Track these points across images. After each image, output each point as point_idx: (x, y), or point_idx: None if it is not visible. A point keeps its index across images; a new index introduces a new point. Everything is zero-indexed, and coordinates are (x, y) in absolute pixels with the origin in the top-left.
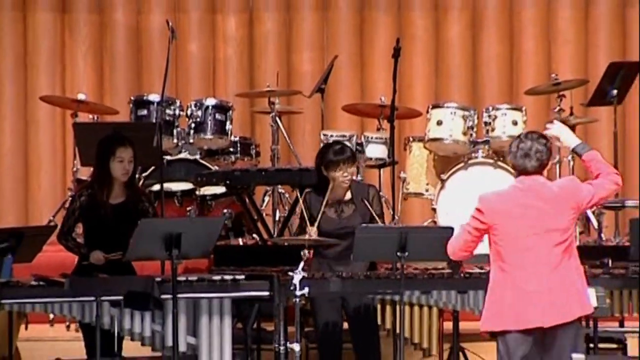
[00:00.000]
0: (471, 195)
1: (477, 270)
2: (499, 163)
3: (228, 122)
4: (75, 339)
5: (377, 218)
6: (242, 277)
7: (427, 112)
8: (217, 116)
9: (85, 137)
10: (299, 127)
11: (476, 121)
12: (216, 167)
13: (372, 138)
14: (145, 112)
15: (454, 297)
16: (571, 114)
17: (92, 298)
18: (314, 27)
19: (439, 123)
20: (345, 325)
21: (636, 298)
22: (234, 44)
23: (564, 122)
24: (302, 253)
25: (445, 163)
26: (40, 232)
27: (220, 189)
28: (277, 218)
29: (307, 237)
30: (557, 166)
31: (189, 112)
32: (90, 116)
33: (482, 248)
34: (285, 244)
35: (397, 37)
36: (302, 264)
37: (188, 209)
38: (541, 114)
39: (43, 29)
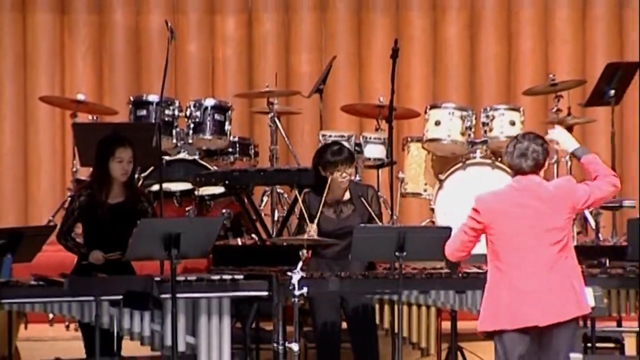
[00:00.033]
0: (469, 195)
1: (475, 270)
2: (497, 163)
3: (227, 123)
4: (75, 339)
5: (375, 218)
6: (241, 277)
7: (425, 112)
8: (216, 116)
9: (85, 137)
10: (298, 128)
11: (474, 121)
12: (215, 168)
13: (370, 138)
14: (144, 112)
15: (452, 297)
16: (569, 114)
17: (92, 298)
18: (313, 28)
19: (437, 123)
20: (344, 324)
21: (634, 298)
22: (232, 44)
23: (561, 122)
24: (300, 253)
25: (443, 163)
26: (40, 232)
27: (219, 189)
28: (275, 218)
29: (305, 237)
30: (555, 166)
31: (188, 113)
32: (90, 116)
33: (480, 248)
34: (284, 244)
35: (395, 38)
36: (300, 264)
37: (187, 209)
38: (539, 114)
39: (42, 29)
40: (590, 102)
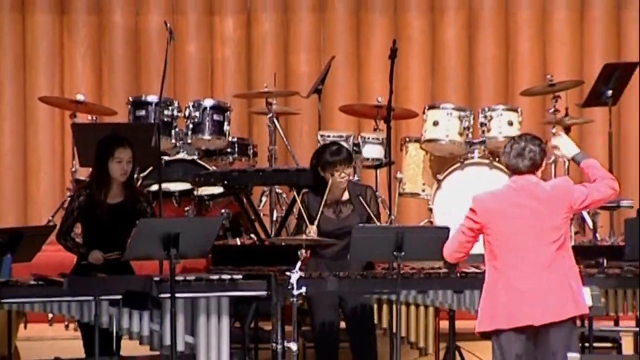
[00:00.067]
0: (467, 195)
1: (473, 270)
2: (495, 163)
3: (226, 123)
4: (74, 338)
5: (374, 218)
6: (240, 276)
7: (424, 112)
8: (215, 117)
9: (84, 137)
10: (296, 128)
11: (472, 122)
12: (214, 168)
13: (368, 139)
14: (143, 112)
15: (450, 297)
16: (566, 114)
17: (91, 297)
18: (311, 29)
19: (435, 124)
20: (343, 324)
21: (631, 297)
22: (231, 45)
23: (559, 122)
24: (299, 253)
25: (442, 163)
26: (40, 232)
27: (218, 189)
28: (274, 218)
29: (304, 237)
30: (553, 166)
31: (187, 113)
32: (89, 117)
33: (478, 248)
34: (283, 243)
35: (393, 39)
36: (299, 264)
37: (186, 209)
38: (537, 114)
39: (42, 30)
40: (588, 103)
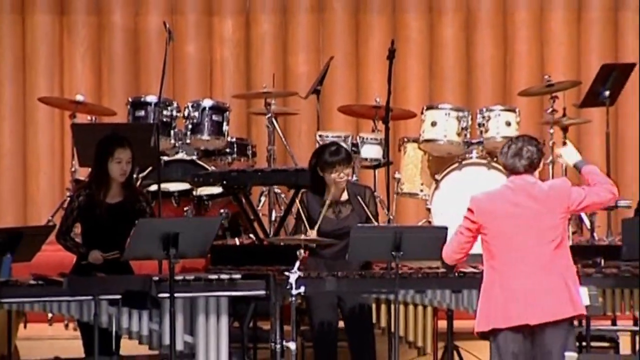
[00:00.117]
0: (465, 195)
1: (471, 270)
2: (493, 163)
3: (225, 123)
4: (74, 338)
5: (372, 218)
6: (239, 276)
7: (422, 113)
8: (214, 117)
9: (84, 138)
10: (295, 128)
11: (470, 122)
12: (213, 168)
13: (367, 139)
14: (142, 113)
15: (448, 296)
16: (564, 115)
17: (91, 297)
18: (310, 29)
19: (434, 124)
20: (341, 324)
21: (628, 297)
22: (230, 45)
23: (556, 123)
24: (297, 252)
25: (440, 163)
26: (39, 232)
27: (217, 189)
28: (273, 218)
29: (302, 237)
30: (550, 166)
31: (186, 113)
32: (89, 117)
33: (476, 248)
34: (281, 243)
35: (391, 39)
36: (298, 264)
37: (185, 209)
38: (534, 115)
39: (41, 31)
40: (585, 103)
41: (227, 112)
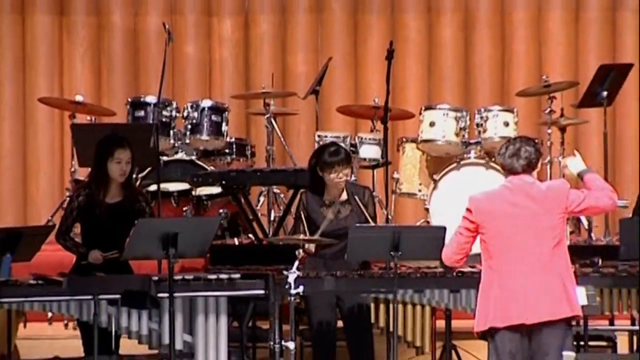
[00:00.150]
0: (463, 195)
1: (469, 270)
2: (491, 164)
3: (224, 123)
4: (73, 337)
5: (370, 219)
6: (238, 276)
7: (420, 113)
8: (213, 117)
9: (83, 138)
10: (294, 128)
11: (468, 122)
12: (212, 168)
13: (365, 139)
14: (142, 113)
15: (446, 296)
16: (562, 115)
17: (90, 297)
18: (309, 30)
19: (432, 124)
20: (340, 323)
21: (626, 296)
22: (229, 46)
23: (554, 123)
24: (296, 252)
25: (438, 164)
26: (39, 232)
27: (216, 189)
28: (272, 218)
29: (302, 236)
30: (548, 166)
31: (185, 114)
32: (88, 117)
33: (475, 248)
34: (280, 243)
35: (390, 39)
36: (296, 263)
37: (184, 209)
38: (532, 115)
39: (41, 31)
40: (583, 103)
41: (226, 113)
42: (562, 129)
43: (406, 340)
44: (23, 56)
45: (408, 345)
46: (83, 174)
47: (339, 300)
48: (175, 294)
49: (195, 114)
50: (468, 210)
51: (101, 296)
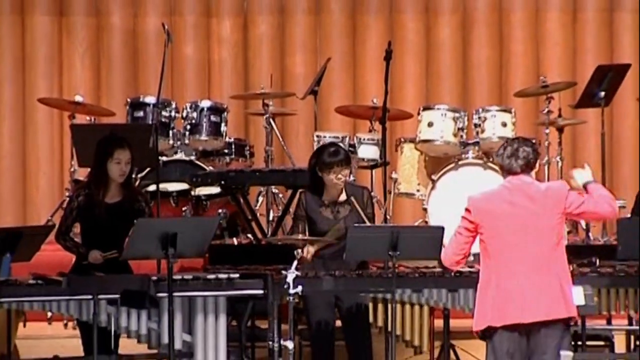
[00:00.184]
0: (461, 195)
1: (468, 269)
2: (489, 164)
3: (223, 124)
4: (73, 337)
5: (367, 220)
6: (237, 275)
7: (418, 113)
8: (212, 118)
9: (83, 138)
10: (293, 129)
11: (466, 123)
12: (211, 168)
13: (364, 139)
14: (141, 113)
15: (444, 296)
16: (559, 115)
17: (90, 296)
18: (307, 30)
19: (430, 124)
20: (338, 323)
21: (623, 296)
22: (228, 46)
23: (552, 123)
24: (295, 252)
25: (436, 164)
26: (39, 232)
27: (215, 190)
28: (270, 218)
29: (300, 236)
30: (546, 167)
31: (184, 114)
32: (88, 118)
33: (474, 248)
34: (279, 243)
35: (388, 40)
36: (295, 263)
37: (183, 209)
38: (530, 115)
39: (41, 32)
40: (581, 104)
41: (225, 113)
42: (560, 129)
43: (404, 340)
44: (23, 57)
45: (406, 345)
46: (83, 174)
47: (338, 300)
48: (175, 294)
49: (195, 115)
50: (467, 210)
51: (101, 296)
